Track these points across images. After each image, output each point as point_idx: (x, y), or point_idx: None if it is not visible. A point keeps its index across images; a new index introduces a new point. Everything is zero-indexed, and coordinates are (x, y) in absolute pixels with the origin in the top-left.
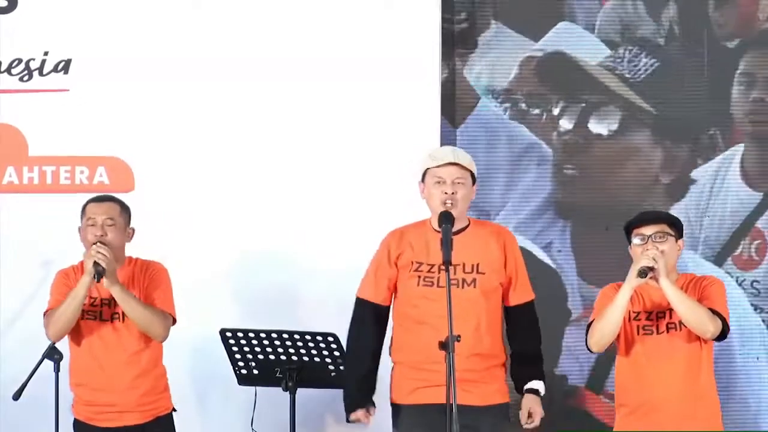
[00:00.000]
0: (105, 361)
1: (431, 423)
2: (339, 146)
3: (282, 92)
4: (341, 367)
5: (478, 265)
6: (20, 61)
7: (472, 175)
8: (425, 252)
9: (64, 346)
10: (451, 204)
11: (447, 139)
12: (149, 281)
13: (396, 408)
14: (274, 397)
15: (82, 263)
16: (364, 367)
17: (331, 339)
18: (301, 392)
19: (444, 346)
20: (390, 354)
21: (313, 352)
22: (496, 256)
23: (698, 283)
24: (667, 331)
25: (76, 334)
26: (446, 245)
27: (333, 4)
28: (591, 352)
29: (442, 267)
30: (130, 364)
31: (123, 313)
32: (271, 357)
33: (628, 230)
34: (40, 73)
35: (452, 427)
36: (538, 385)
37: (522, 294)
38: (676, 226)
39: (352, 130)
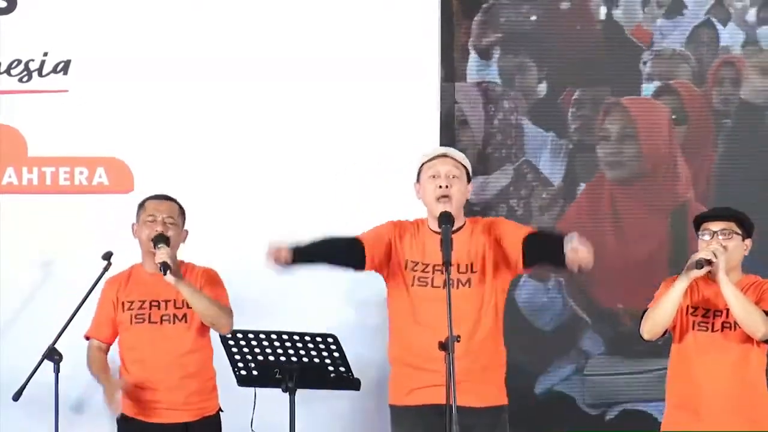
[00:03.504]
0: (153, 363)
1: (430, 426)
2: (338, 146)
3: (281, 92)
4: (341, 369)
5: (472, 264)
6: (20, 61)
7: (468, 173)
8: (421, 252)
9: (61, 346)
10: (446, 198)
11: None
12: (207, 281)
13: (394, 410)
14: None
15: (131, 270)
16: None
17: (330, 340)
18: (300, 393)
19: (443, 346)
20: (387, 353)
21: (313, 353)
22: (488, 244)
23: (759, 286)
24: (722, 330)
25: (125, 339)
26: (446, 246)
27: (331, 4)
28: (643, 339)
29: (437, 267)
30: (179, 365)
31: (173, 315)
32: (271, 358)
33: (698, 225)
34: (40, 74)
35: (452, 429)
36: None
37: (521, 232)
38: (744, 226)
39: (351, 131)
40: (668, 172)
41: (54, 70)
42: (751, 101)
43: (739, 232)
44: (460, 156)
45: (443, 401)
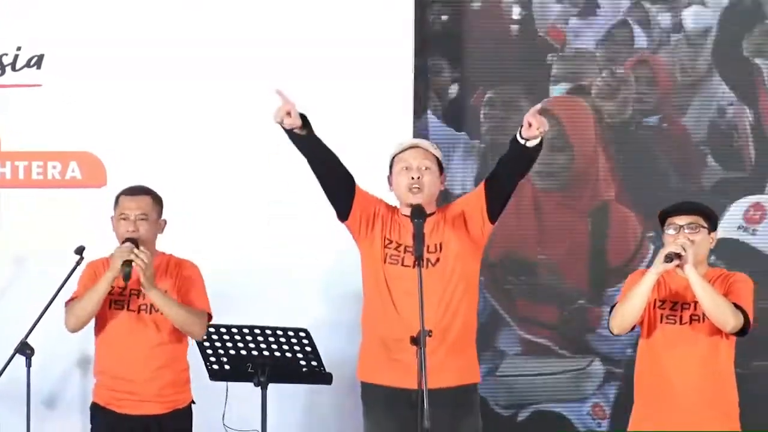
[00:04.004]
0: (129, 351)
1: (401, 418)
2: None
3: (253, 87)
4: (313, 363)
5: (440, 244)
6: None
7: (439, 163)
8: (397, 232)
9: (33, 340)
10: (418, 189)
11: None
12: (184, 280)
13: (365, 387)
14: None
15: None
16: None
17: (302, 334)
18: (274, 389)
19: (415, 341)
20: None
21: (285, 347)
22: (456, 216)
23: (726, 278)
24: (690, 323)
25: (101, 322)
26: (418, 241)
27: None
28: (612, 334)
29: (408, 248)
30: (153, 356)
31: (150, 305)
32: (243, 352)
33: (663, 219)
34: (13, 68)
35: (422, 424)
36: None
37: (481, 185)
38: (710, 219)
39: (326, 128)
40: (591, 172)
41: (27, 65)
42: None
43: (705, 225)
44: (431, 147)
45: (413, 386)
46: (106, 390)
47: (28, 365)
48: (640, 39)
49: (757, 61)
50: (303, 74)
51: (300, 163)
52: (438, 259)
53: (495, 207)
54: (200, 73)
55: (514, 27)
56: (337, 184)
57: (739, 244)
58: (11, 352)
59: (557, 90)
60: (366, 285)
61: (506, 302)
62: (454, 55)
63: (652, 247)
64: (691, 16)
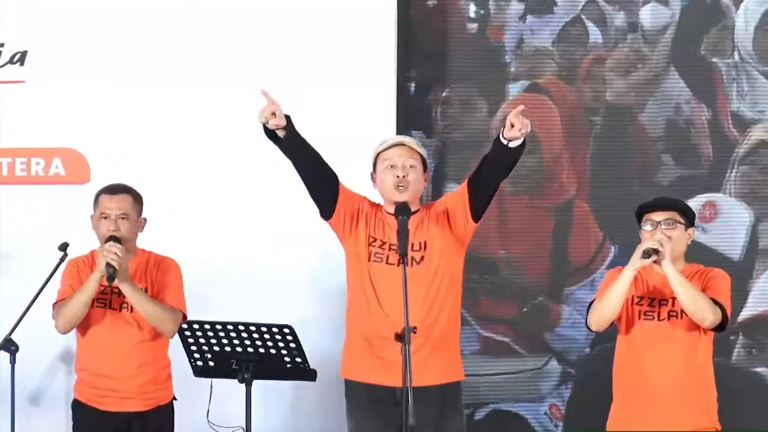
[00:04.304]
0: (110, 349)
1: (385, 415)
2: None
3: (234, 84)
4: (297, 359)
5: (425, 242)
6: None
7: (424, 161)
8: (381, 230)
9: (17, 337)
10: (403, 188)
11: None
12: (161, 277)
13: (349, 384)
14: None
15: (92, 254)
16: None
17: (287, 331)
18: (259, 385)
19: (399, 338)
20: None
21: (269, 344)
22: (440, 213)
23: (704, 274)
24: (668, 319)
25: (84, 320)
26: (402, 238)
27: (290, 7)
28: (590, 330)
29: (393, 246)
30: (135, 354)
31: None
32: (227, 349)
33: (640, 215)
34: None
35: (407, 421)
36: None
37: (463, 184)
38: (687, 215)
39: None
40: (557, 170)
41: (10, 61)
42: (616, 102)
43: (682, 221)
44: (416, 144)
45: (397, 384)
46: (88, 387)
47: (12, 362)
48: (595, 36)
49: (715, 59)
50: (285, 73)
51: (283, 162)
52: (422, 257)
53: (478, 206)
54: (185, 70)
55: (471, 25)
56: (321, 183)
57: (692, 242)
58: None
59: (513, 89)
60: (350, 283)
61: (469, 300)
62: (409, 54)
63: (612, 248)
64: (648, 14)
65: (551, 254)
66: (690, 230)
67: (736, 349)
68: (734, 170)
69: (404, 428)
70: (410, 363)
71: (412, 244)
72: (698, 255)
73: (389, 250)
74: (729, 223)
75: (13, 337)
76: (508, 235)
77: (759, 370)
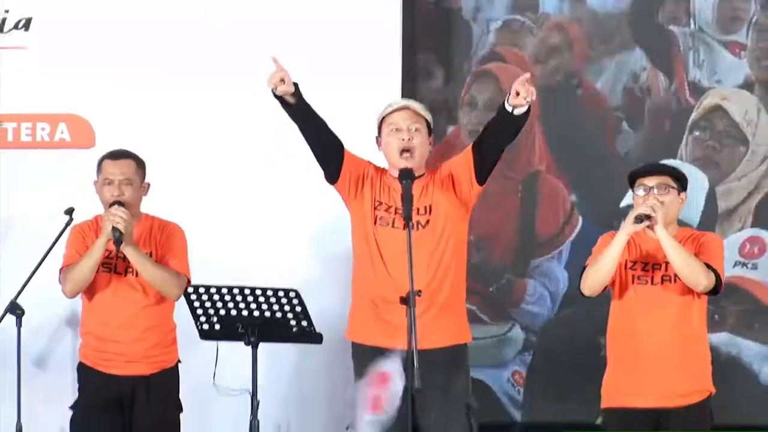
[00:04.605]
0: (116, 313)
1: None
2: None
3: (239, 51)
4: (303, 323)
5: (430, 206)
6: None
7: (429, 126)
8: (387, 194)
9: (23, 301)
10: (408, 153)
11: None
12: (166, 241)
13: (355, 347)
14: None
15: (97, 219)
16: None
17: (293, 295)
18: (264, 348)
19: (405, 301)
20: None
21: (275, 307)
22: (444, 177)
23: (697, 238)
24: (662, 283)
25: (89, 285)
26: (407, 201)
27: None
28: (583, 295)
29: (398, 210)
30: (140, 318)
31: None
32: (233, 312)
33: (632, 180)
34: (1, 31)
35: (413, 383)
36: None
37: (468, 148)
38: (679, 180)
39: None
40: (527, 142)
41: (15, 27)
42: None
43: (675, 186)
44: (421, 108)
45: (404, 346)
46: (93, 351)
47: (18, 325)
48: (550, 4)
49: (672, 27)
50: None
51: (288, 125)
52: (428, 221)
53: (482, 170)
54: (190, 35)
55: None
56: (326, 148)
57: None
58: (1, 311)
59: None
60: (356, 246)
61: None
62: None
63: (581, 219)
64: None
65: (518, 227)
66: (682, 195)
67: None
68: (689, 136)
69: (410, 390)
70: (416, 326)
71: (417, 209)
72: None
73: (395, 213)
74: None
75: (18, 300)
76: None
77: (717, 335)
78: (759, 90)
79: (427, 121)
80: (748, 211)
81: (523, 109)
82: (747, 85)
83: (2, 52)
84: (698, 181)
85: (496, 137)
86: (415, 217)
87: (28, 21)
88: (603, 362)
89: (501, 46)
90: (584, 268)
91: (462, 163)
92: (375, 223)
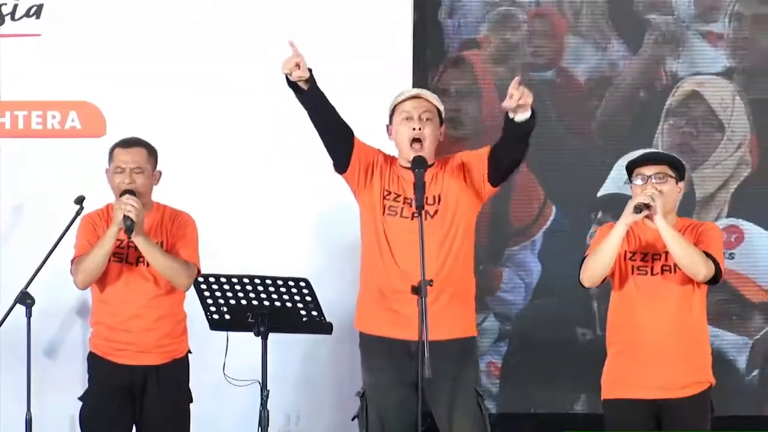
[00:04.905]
0: (127, 303)
1: (400, 368)
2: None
3: (250, 35)
4: (313, 313)
5: (439, 195)
6: None
7: (440, 114)
8: (396, 183)
9: (33, 290)
10: (419, 143)
11: None
12: (176, 231)
13: (363, 337)
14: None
15: (108, 208)
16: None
17: (303, 284)
18: (274, 338)
19: (416, 290)
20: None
21: (285, 297)
22: (455, 168)
23: (695, 228)
24: (662, 273)
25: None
26: (419, 190)
27: None
28: (583, 287)
29: (407, 199)
30: (151, 308)
31: None
32: (243, 302)
33: (630, 170)
34: (12, 18)
35: (423, 373)
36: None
37: (484, 150)
38: (677, 169)
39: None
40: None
41: (27, 14)
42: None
43: (673, 175)
44: (433, 97)
45: (411, 337)
46: (104, 340)
47: (29, 315)
48: None
49: (651, 16)
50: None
51: (296, 117)
52: (437, 211)
53: (496, 173)
54: (201, 24)
55: None
56: (337, 136)
57: (626, 198)
58: (11, 301)
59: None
60: (364, 236)
61: None
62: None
63: (554, 208)
64: None
65: (492, 216)
66: (680, 184)
67: None
68: (665, 123)
69: (420, 381)
70: (426, 317)
71: (426, 198)
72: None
73: (404, 203)
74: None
75: (29, 290)
76: None
77: None
78: (737, 78)
79: (438, 110)
80: (725, 200)
81: (526, 116)
82: (724, 74)
83: (13, 39)
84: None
85: (505, 146)
86: (424, 206)
87: (39, 8)
88: (579, 351)
89: (476, 35)
90: (584, 258)
91: (477, 157)
92: (383, 213)
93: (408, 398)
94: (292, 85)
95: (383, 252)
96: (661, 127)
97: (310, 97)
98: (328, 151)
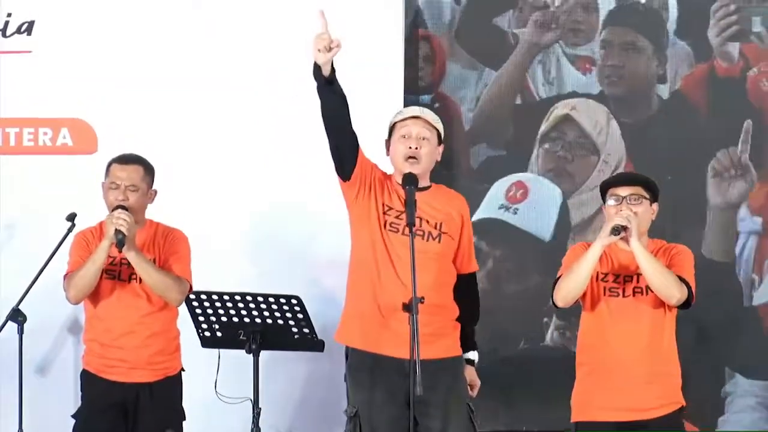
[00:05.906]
0: (119, 320)
1: (389, 383)
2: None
3: (240, 47)
4: (305, 330)
5: (441, 224)
6: None
7: (439, 135)
8: (395, 199)
9: (25, 307)
10: (415, 160)
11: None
12: (169, 247)
13: (353, 353)
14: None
15: (101, 225)
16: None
17: (294, 302)
18: (265, 355)
19: (407, 308)
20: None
21: (277, 314)
22: (456, 223)
23: (668, 250)
24: (633, 295)
25: (93, 291)
26: (410, 207)
27: None
28: (556, 307)
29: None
30: (144, 324)
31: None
32: (235, 319)
33: (604, 190)
34: (3, 35)
35: (414, 391)
36: (474, 355)
37: (470, 264)
38: (651, 190)
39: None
40: None
41: (18, 31)
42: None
43: (647, 196)
44: (433, 118)
45: (404, 356)
46: (97, 357)
47: (20, 332)
48: None
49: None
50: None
51: (290, 131)
52: (439, 236)
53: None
54: (193, 39)
55: None
56: (345, 141)
57: (500, 223)
58: (3, 318)
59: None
60: (359, 250)
61: None
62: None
63: None
64: None
65: None
66: (654, 206)
67: (549, 331)
68: (540, 148)
69: (411, 399)
70: (418, 333)
71: (428, 220)
72: (508, 236)
73: (404, 220)
74: (539, 202)
75: (20, 307)
76: None
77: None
78: (609, 102)
79: (438, 131)
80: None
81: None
82: (597, 97)
83: (5, 56)
84: (551, 193)
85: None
86: (426, 228)
87: (31, 25)
88: (551, 370)
89: None
90: (557, 279)
91: (461, 238)
92: (384, 227)
93: (400, 416)
94: (317, 71)
95: (381, 267)
96: (536, 152)
97: (331, 89)
98: (334, 154)
